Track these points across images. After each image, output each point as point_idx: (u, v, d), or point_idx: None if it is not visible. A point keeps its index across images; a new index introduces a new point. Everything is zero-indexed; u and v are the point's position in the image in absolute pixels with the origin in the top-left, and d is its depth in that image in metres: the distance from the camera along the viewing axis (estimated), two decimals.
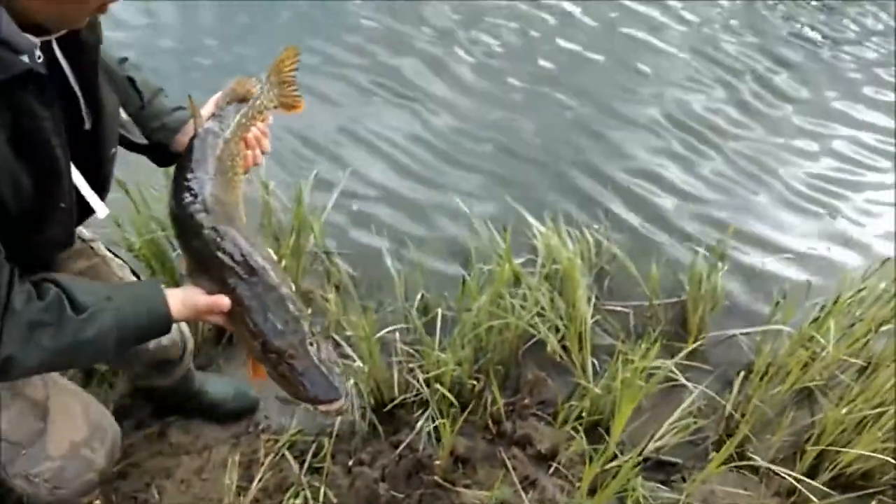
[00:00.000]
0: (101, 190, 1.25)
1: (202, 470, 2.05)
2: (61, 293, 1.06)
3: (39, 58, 0.97)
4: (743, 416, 2.20)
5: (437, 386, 2.04)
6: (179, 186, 1.31)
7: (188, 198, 1.29)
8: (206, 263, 1.25)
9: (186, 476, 2.04)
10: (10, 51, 0.91)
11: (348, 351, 2.24)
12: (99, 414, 1.49)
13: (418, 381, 2.15)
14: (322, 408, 1.19)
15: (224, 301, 1.21)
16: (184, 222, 1.29)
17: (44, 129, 1.00)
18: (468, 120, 3.56)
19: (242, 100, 1.47)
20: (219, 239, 1.25)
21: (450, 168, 3.25)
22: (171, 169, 1.41)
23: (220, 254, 1.24)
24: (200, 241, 1.25)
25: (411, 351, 2.27)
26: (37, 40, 0.97)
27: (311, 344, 1.20)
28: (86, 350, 1.08)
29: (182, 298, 1.22)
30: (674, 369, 2.09)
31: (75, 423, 1.41)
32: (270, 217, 2.70)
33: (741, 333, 2.55)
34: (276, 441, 2.14)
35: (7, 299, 0.98)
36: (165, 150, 1.46)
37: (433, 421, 2.07)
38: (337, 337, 2.31)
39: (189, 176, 1.31)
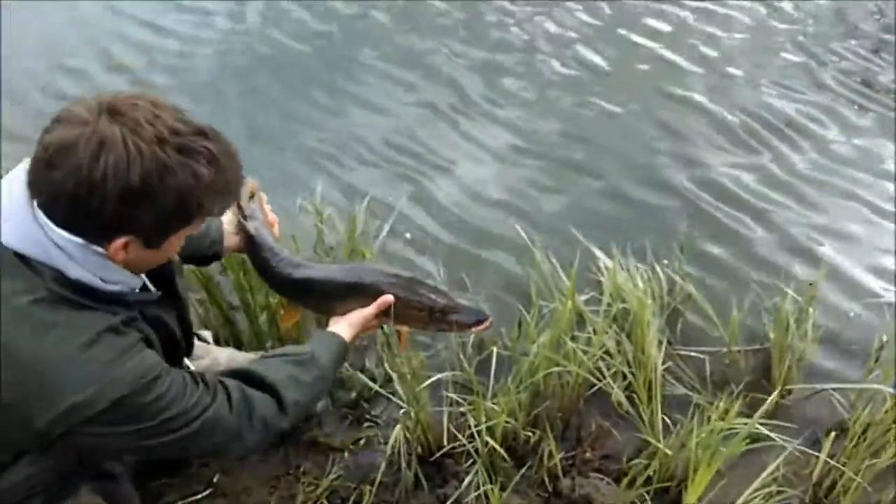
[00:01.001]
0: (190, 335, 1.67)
1: None
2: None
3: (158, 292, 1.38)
4: (833, 487, 1.94)
5: (487, 439, 1.85)
6: (281, 268, 1.73)
7: (298, 269, 1.73)
8: (355, 288, 1.66)
9: None
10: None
11: (396, 391, 2.08)
12: None
13: (469, 428, 1.97)
14: (482, 326, 1.68)
15: (389, 298, 1.61)
16: (318, 282, 1.71)
17: (170, 326, 1.42)
18: (533, 141, 3.38)
19: (252, 195, 1.84)
20: (354, 269, 1.76)
21: (511, 195, 3.07)
22: None
23: (366, 277, 1.68)
24: (338, 282, 1.69)
25: (462, 395, 2.10)
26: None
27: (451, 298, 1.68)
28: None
29: (347, 322, 1.62)
30: (759, 427, 1.84)
31: None
32: (322, 244, 2.59)
33: (832, 389, 2.26)
34: (317, 486, 2.00)
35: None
36: (218, 257, 1.84)
37: (482, 476, 1.88)
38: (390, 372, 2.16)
39: (280, 257, 1.75)
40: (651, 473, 1.93)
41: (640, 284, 2.40)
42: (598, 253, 2.54)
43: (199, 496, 1.97)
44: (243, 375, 1.41)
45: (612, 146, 3.35)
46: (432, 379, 1.92)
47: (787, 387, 2.24)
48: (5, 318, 1.11)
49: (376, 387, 1.99)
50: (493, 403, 1.92)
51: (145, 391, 1.17)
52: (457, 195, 3.05)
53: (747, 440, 1.75)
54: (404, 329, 1.71)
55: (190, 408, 1.23)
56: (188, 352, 1.63)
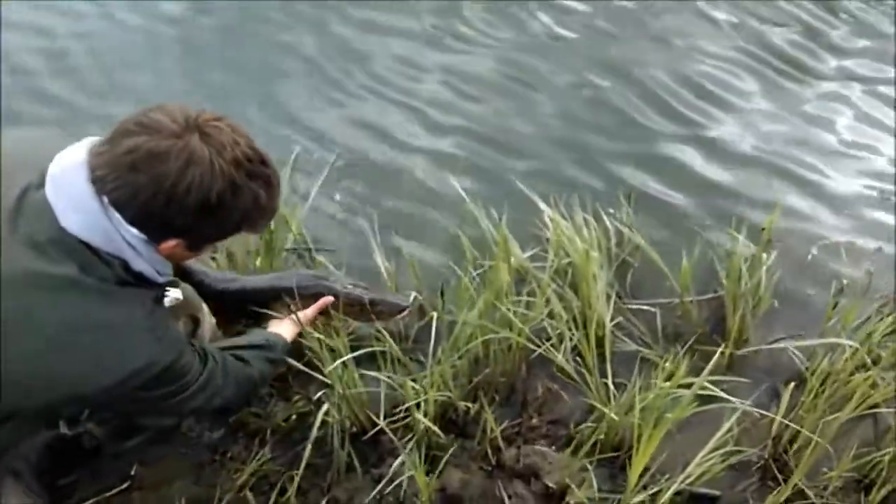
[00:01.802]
0: None
1: None
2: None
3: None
4: (793, 441, 1.83)
5: (419, 416, 1.70)
6: (215, 285, 1.96)
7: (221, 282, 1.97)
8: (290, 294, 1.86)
9: None
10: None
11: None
12: None
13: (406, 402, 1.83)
14: (405, 313, 1.99)
15: (329, 299, 1.90)
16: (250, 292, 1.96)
17: None
18: (469, 87, 3.17)
19: None
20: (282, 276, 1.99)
21: (448, 147, 2.88)
22: None
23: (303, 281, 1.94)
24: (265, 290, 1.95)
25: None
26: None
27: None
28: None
29: (287, 323, 1.86)
30: (709, 385, 1.71)
31: None
32: None
33: (789, 340, 2.14)
34: (241, 472, 1.84)
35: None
36: None
37: (415, 454, 1.74)
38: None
39: (211, 276, 1.96)
40: (599, 439, 1.81)
41: (587, 235, 2.25)
42: (542, 205, 2.37)
43: (114, 491, 1.80)
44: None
45: (556, 92, 3.17)
46: (354, 354, 1.74)
47: (744, 338, 2.13)
48: (78, 293, 1.23)
49: (298, 365, 1.82)
50: (425, 376, 1.76)
51: (181, 356, 1.39)
52: (388, 150, 2.85)
53: (695, 402, 1.62)
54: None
55: (198, 367, 1.46)
56: None
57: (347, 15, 3.50)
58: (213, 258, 2.25)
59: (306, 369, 1.83)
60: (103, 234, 1.22)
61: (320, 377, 1.80)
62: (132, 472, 1.84)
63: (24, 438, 1.60)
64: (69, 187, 1.21)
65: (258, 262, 2.28)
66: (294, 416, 1.97)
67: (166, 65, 3.16)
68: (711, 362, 1.70)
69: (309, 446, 1.79)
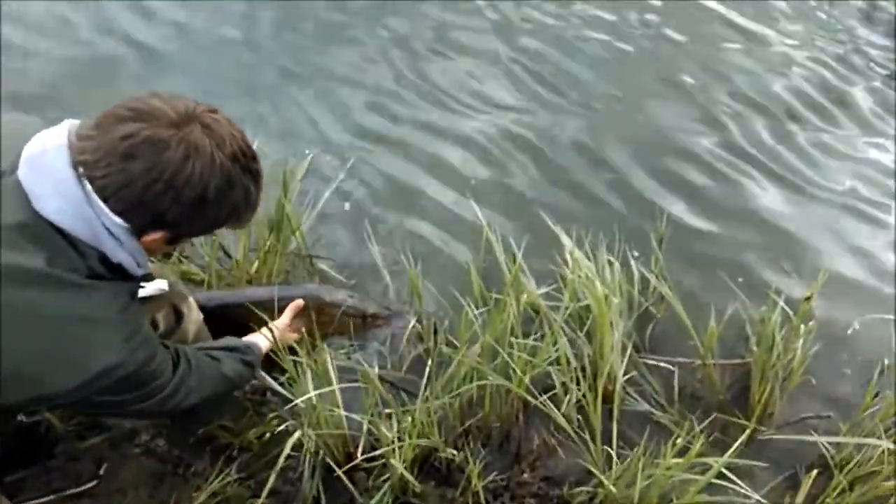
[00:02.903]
0: None
1: None
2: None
3: None
4: None
5: (392, 461, 1.54)
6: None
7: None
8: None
9: None
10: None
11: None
12: None
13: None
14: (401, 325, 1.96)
15: (299, 301, 1.85)
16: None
17: None
18: (500, 114, 3.01)
19: None
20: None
21: (473, 169, 2.72)
22: None
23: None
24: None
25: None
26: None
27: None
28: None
29: (263, 334, 1.74)
30: (726, 472, 1.51)
31: None
32: None
33: (817, 420, 1.94)
34: (201, 490, 1.69)
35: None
36: None
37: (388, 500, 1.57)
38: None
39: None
40: None
41: (609, 279, 2.06)
42: (565, 239, 2.19)
43: (65, 493, 1.66)
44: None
45: (595, 118, 3.00)
46: (324, 389, 1.58)
47: (767, 412, 1.92)
48: (42, 287, 1.12)
49: (274, 385, 1.67)
50: (409, 416, 1.59)
51: (153, 357, 1.30)
52: (406, 164, 2.70)
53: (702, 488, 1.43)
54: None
55: (170, 370, 1.36)
56: None
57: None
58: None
59: (280, 389, 1.68)
60: (84, 223, 1.14)
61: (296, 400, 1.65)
62: (83, 477, 1.70)
63: None
64: (50, 170, 1.12)
65: (254, 268, 2.14)
66: (267, 435, 1.82)
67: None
68: (736, 444, 1.50)
69: (274, 473, 1.63)
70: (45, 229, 1.12)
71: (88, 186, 1.12)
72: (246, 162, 1.20)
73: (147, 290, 1.56)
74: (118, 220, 1.14)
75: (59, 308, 1.14)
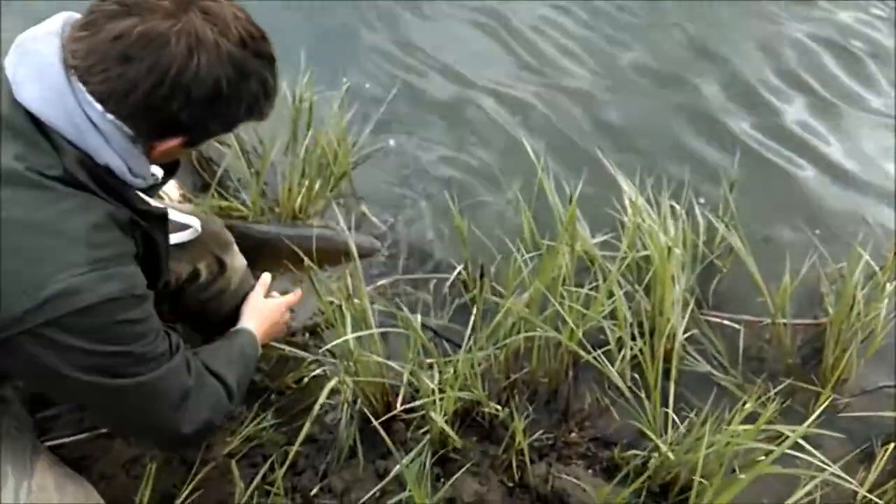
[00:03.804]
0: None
1: (130, 467, 1.58)
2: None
3: (155, 180, 1.20)
4: None
5: (432, 414, 1.44)
6: None
7: None
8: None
9: (111, 469, 1.57)
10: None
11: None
12: None
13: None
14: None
15: (299, 294, 1.71)
16: None
17: (160, 251, 1.21)
18: (566, 39, 2.81)
19: None
20: None
21: (526, 96, 2.53)
22: None
23: None
24: None
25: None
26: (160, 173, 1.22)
27: None
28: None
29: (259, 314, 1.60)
30: (801, 442, 1.36)
31: None
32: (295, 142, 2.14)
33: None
34: (235, 435, 1.63)
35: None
36: None
37: (428, 455, 1.48)
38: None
39: None
40: (650, 473, 1.51)
41: (671, 227, 1.90)
42: (625, 185, 2.03)
43: (95, 433, 1.62)
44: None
45: (664, 54, 2.77)
46: (362, 333, 1.48)
47: (842, 378, 1.76)
48: (4, 184, 0.97)
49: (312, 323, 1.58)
50: (451, 367, 1.49)
51: (126, 306, 1.05)
52: (456, 92, 2.53)
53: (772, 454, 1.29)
54: None
55: (153, 350, 1.10)
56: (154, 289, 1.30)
57: None
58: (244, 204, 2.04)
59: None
60: (66, 114, 1.00)
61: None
62: None
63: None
64: (34, 54, 1.01)
65: (297, 204, 2.05)
66: (305, 380, 1.75)
67: None
68: (815, 413, 1.35)
69: (309, 421, 1.56)
70: (22, 121, 1.00)
71: (75, 79, 0.99)
72: (256, 46, 1.06)
73: (182, 236, 1.48)
74: (98, 107, 1.00)
75: (15, 211, 0.98)
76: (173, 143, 1.08)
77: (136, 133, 1.05)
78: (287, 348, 1.72)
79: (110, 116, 1.01)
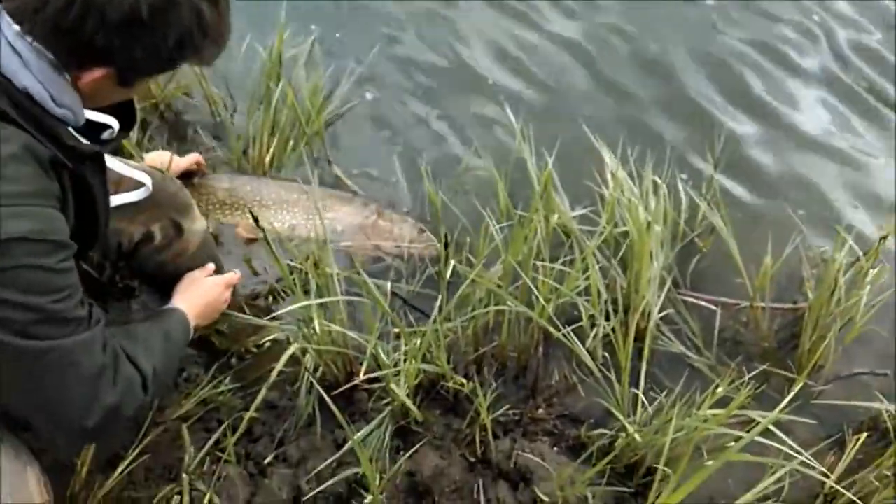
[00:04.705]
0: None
1: None
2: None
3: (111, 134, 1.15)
4: None
5: (393, 386, 1.38)
6: None
7: None
8: None
9: None
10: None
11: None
12: None
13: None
14: None
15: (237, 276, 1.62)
16: None
17: (95, 195, 1.12)
18: (542, 15, 2.71)
19: None
20: None
21: (508, 63, 2.45)
22: None
23: None
24: None
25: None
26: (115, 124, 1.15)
27: None
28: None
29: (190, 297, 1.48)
30: (773, 429, 1.32)
31: None
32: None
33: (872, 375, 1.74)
34: (190, 397, 1.57)
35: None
36: None
37: (388, 427, 1.43)
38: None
39: None
40: (616, 454, 1.47)
41: (652, 204, 1.84)
42: (608, 156, 1.96)
43: None
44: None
45: (647, 31, 2.68)
46: (319, 301, 1.41)
47: (817, 364, 1.72)
48: None
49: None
50: (416, 336, 1.43)
51: (37, 250, 0.96)
52: (435, 52, 2.44)
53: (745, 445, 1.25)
54: None
55: (68, 311, 1.00)
56: (92, 244, 1.20)
57: None
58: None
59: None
60: None
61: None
62: None
63: None
64: None
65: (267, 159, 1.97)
66: (266, 345, 1.69)
67: None
68: (786, 399, 1.31)
69: (265, 387, 1.50)
70: None
71: None
72: None
73: (132, 195, 1.39)
74: (15, 25, 0.93)
75: None
76: (98, 74, 0.99)
77: (56, 58, 0.96)
78: (243, 315, 1.65)
79: (28, 38, 0.93)
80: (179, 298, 1.46)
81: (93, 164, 1.10)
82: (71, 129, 1.03)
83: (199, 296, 1.48)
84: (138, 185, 1.44)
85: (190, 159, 1.83)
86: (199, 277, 1.53)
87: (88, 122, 1.09)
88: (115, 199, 1.35)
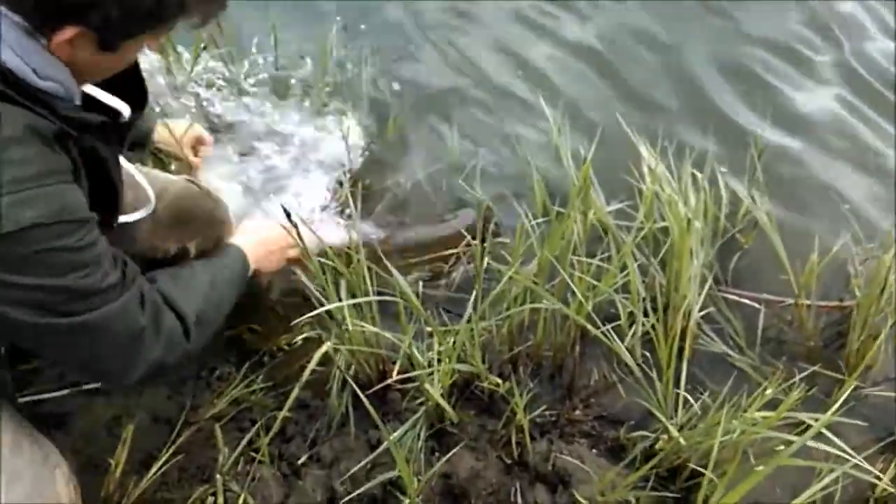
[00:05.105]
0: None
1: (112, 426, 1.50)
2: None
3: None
4: None
5: (427, 386, 1.35)
6: None
7: None
8: None
9: (92, 427, 1.50)
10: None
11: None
12: None
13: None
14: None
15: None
16: None
17: (107, 166, 1.08)
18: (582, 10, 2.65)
19: None
20: None
21: (543, 55, 2.40)
22: None
23: None
24: None
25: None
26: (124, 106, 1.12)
27: None
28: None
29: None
30: (826, 433, 1.26)
31: None
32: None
33: None
34: (222, 396, 1.55)
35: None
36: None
37: (423, 427, 1.40)
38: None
39: None
40: (658, 455, 1.42)
41: (692, 200, 1.78)
42: (645, 150, 1.90)
43: (76, 389, 1.54)
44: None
45: (688, 26, 2.61)
46: (355, 301, 1.38)
47: (866, 365, 1.65)
48: None
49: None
50: (449, 335, 1.40)
51: (61, 233, 0.94)
52: (469, 39, 2.41)
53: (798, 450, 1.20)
54: None
55: (96, 284, 0.99)
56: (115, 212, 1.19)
57: None
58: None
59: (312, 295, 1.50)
60: None
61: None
62: None
63: None
64: None
65: None
66: (298, 342, 1.67)
67: None
68: (839, 401, 1.25)
69: (298, 386, 1.47)
70: None
71: None
72: None
73: (135, 216, 1.30)
74: None
75: None
76: (69, 33, 0.90)
77: (25, 19, 0.89)
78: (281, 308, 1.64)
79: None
80: (239, 238, 1.45)
81: (98, 133, 1.04)
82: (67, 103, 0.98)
83: (259, 240, 1.45)
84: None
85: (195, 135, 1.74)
86: (261, 221, 1.51)
87: (93, 102, 1.07)
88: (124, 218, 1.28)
